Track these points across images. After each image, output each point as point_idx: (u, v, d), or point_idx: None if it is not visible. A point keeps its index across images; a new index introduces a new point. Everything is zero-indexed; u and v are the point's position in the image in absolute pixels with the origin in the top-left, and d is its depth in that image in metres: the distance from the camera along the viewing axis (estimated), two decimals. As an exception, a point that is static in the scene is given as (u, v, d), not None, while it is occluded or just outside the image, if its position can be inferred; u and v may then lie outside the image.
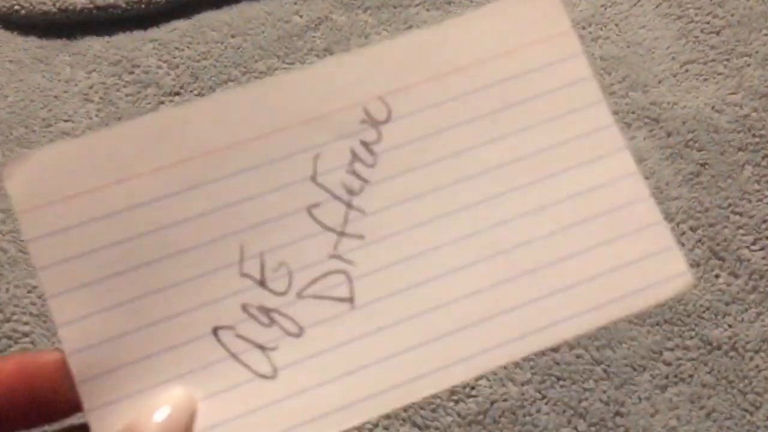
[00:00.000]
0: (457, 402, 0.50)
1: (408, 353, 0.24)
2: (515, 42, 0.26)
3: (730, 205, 0.60)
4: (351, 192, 0.25)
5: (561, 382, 0.51)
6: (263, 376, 0.24)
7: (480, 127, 0.25)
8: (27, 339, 0.57)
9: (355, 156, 0.25)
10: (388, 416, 0.48)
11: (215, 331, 0.25)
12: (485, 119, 0.25)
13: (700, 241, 0.58)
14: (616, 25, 0.74)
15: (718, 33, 0.72)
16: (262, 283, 0.25)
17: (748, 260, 0.57)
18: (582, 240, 0.25)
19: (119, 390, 0.24)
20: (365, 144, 0.25)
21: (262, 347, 0.24)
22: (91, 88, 0.71)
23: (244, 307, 0.25)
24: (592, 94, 0.26)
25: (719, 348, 0.53)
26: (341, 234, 0.25)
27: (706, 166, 0.63)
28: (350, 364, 0.24)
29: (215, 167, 0.25)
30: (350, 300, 0.25)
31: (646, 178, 0.62)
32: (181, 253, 0.25)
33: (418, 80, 0.26)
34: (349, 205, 0.25)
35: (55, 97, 0.70)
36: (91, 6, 0.75)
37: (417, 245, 0.25)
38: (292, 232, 0.25)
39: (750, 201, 0.60)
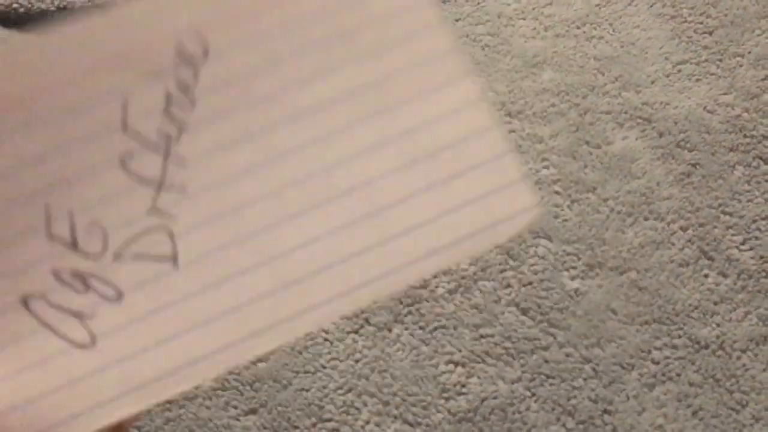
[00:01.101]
0: (447, 399, 0.50)
1: (236, 312, 0.21)
2: None
3: (720, 205, 0.61)
4: (168, 139, 0.22)
5: (550, 381, 0.52)
6: (80, 346, 0.22)
7: (308, 59, 0.22)
8: None
9: (170, 98, 0.22)
10: (378, 413, 0.49)
11: (24, 300, 0.22)
12: (314, 50, 0.22)
13: (690, 240, 0.59)
14: (611, 24, 0.75)
15: (711, 33, 0.73)
16: (73, 246, 0.22)
17: (737, 260, 0.58)
18: (425, 176, 0.22)
19: None
20: (181, 85, 0.22)
21: (77, 315, 0.22)
22: (89, 86, 0.72)
23: (56, 273, 0.22)
24: (430, 18, 0.23)
25: (707, 347, 0.54)
26: (160, 186, 0.22)
27: (698, 167, 0.63)
28: (175, 327, 0.22)
29: (11, 118, 0.22)
30: (173, 258, 0.22)
31: (637, 178, 0.63)
32: None
33: (237, 11, 0.23)
34: (166, 154, 0.22)
35: (54, 95, 0.71)
36: (89, 5, 0.75)
37: (243, 194, 0.22)
38: (103, 187, 0.22)
39: (740, 201, 0.61)
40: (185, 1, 0.22)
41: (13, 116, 0.22)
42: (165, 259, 0.22)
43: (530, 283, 0.56)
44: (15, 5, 0.76)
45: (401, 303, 0.55)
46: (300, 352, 0.53)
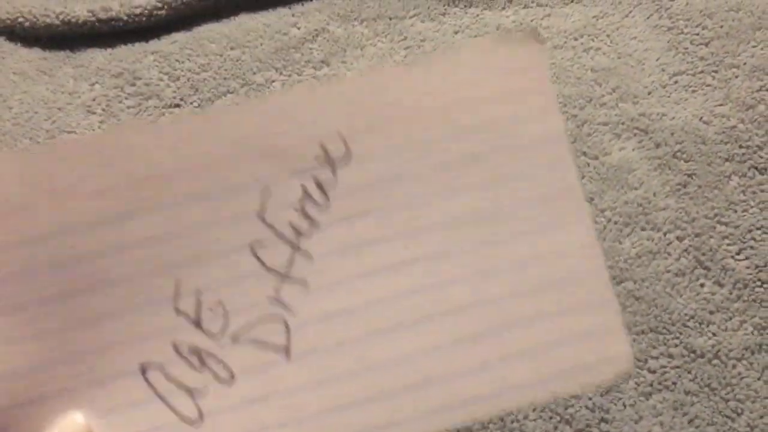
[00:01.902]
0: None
1: (341, 411, 0.23)
2: (490, 89, 0.24)
3: (716, 215, 0.62)
4: (299, 233, 0.23)
5: (548, 390, 0.52)
6: (189, 421, 0.22)
7: (440, 177, 0.23)
8: None
9: (306, 195, 0.23)
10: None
11: (143, 368, 0.23)
12: (447, 169, 0.23)
13: (686, 250, 0.60)
14: (608, 36, 0.75)
15: (707, 44, 0.74)
16: (196, 323, 0.23)
17: (733, 269, 0.59)
18: (530, 308, 0.23)
19: (40, 421, 0.22)
20: (319, 183, 0.23)
21: (189, 390, 0.23)
22: (94, 100, 0.73)
23: (176, 346, 0.23)
24: (560, 155, 0.24)
25: (703, 356, 0.55)
26: (284, 277, 0.23)
27: (694, 177, 0.64)
28: (280, 417, 0.22)
29: (156, 195, 0.23)
30: (286, 349, 0.23)
31: (634, 188, 0.64)
32: (113, 283, 0.23)
33: (381, 121, 0.24)
34: (295, 248, 0.23)
35: (59, 109, 0.72)
36: (94, 19, 0.77)
37: (361, 297, 0.23)
38: (232, 270, 0.23)
39: (736, 211, 0.62)
40: (334, 105, 0.23)
41: (156, 193, 0.23)
42: (278, 349, 0.23)
43: (528, 294, 0.57)
44: (20, 19, 0.77)
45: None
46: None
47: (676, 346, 0.55)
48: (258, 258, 0.23)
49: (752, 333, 0.56)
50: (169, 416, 0.23)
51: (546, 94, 0.25)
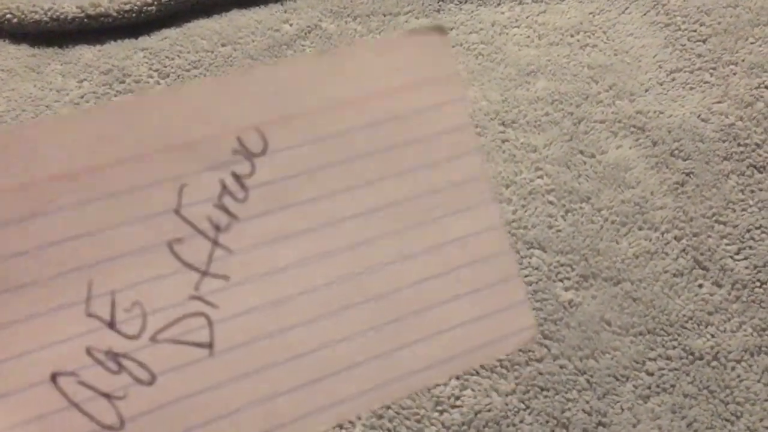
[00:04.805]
0: (441, 412, 0.50)
1: (264, 404, 0.22)
2: (400, 81, 0.25)
3: (714, 214, 0.61)
4: (218, 228, 0.23)
5: (544, 393, 0.52)
6: (108, 428, 0.22)
7: (356, 168, 0.23)
8: None
9: (224, 189, 0.23)
10: (372, 426, 0.49)
11: (54, 377, 0.22)
12: (362, 160, 0.24)
13: (684, 250, 0.59)
14: (604, 32, 0.75)
15: (704, 41, 0.73)
16: (111, 325, 0.22)
17: (732, 270, 0.58)
18: (444, 290, 0.24)
19: None
20: (237, 176, 0.23)
21: (107, 395, 0.22)
22: (82, 97, 0.71)
23: (89, 351, 0.22)
24: (468, 143, 0.26)
25: (701, 358, 0.54)
26: (204, 273, 0.23)
27: (692, 176, 0.63)
28: (205, 414, 0.22)
29: (64, 193, 0.22)
30: (209, 345, 0.23)
31: (631, 187, 0.63)
32: (18, 288, 0.21)
33: (298, 112, 0.24)
34: (214, 242, 0.23)
35: (47, 106, 0.71)
36: (82, 15, 0.75)
37: (283, 289, 0.23)
38: (149, 269, 0.22)
39: (734, 211, 0.61)
40: (249, 98, 0.23)
41: (66, 190, 0.22)
42: (202, 345, 0.23)
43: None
44: (8, 16, 0.76)
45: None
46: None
47: (675, 347, 0.54)
48: (176, 255, 0.23)
49: (752, 334, 0.55)
50: (87, 424, 0.22)
51: (452, 86, 0.26)
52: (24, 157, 0.21)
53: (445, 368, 0.25)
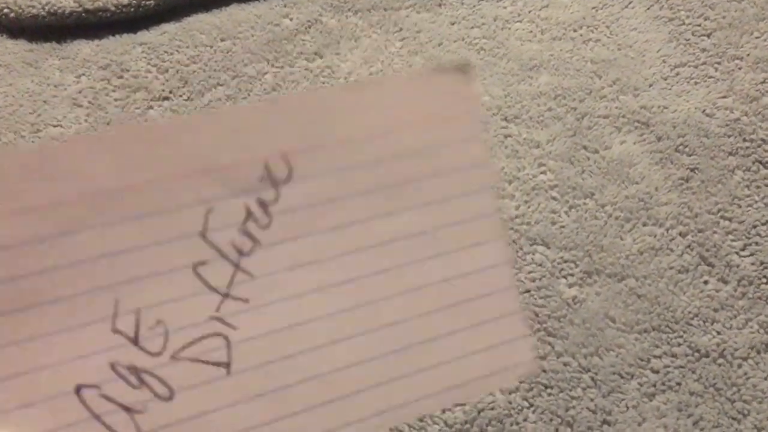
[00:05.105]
0: (444, 411, 0.49)
1: (278, 423, 0.23)
2: (422, 116, 0.25)
3: (719, 210, 0.60)
4: (241, 252, 0.23)
5: (548, 391, 0.51)
6: None
7: (374, 199, 0.24)
8: None
9: (249, 214, 0.24)
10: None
11: (78, 389, 0.22)
12: (383, 191, 0.25)
13: (689, 246, 0.58)
14: (608, 27, 0.74)
15: (709, 35, 0.72)
16: (135, 341, 0.23)
17: (737, 266, 0.57)
18: (450, 322, 0.25)
19: None
20: (262, 203, 0.24)
21: (128, 409, 0.23)
22: (80, 92, 0.71)
23: (113, 366, 0.23)
24: (483, 179, 0.26)
25: (707, 355, 0.53)
26: (225, 296, 0.23)
27: (696, 171, 0.63)
28: (213, 428, 0.23)
29: (94, 212, 0.22)
30: (227, 365, 0.23)
31: (636, 183, 0.62)
32: (48, 303, 0.22)
33: (324, 141, 0.24)
34: (237, 267, 0.23)
35: (44, 101, 0.70)
36: (80, 9, 0.74)
37: (300, 314, 0.24)
38: (173, 289, 0.23)
39: (740, 206, 0.60)
40: (278, 124, 0.24)
41: (95, 210, 0.22)
42: (219, 365, 0.23)
43: (527, 291, 0.55)
44: (6, 10, 0.75)
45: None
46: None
47: (680, 345, 0.53)
48: (200, 277, 0.23)
49: (758, 331, 0.54)
50: None
51: (472, 123, 0.27)
52: (54, 176, 0.22)
53: (449, 396, 0.25)
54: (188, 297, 0.23)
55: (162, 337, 0.23)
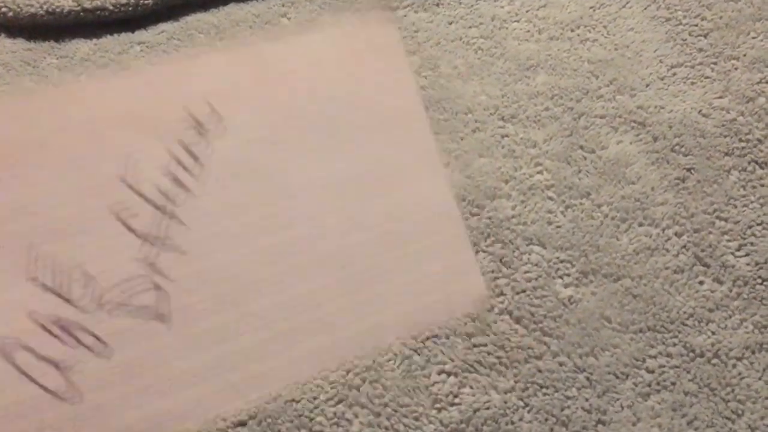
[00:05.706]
0: (439, 410, 0.50)
1: (221, 366, 0.23)
2: (350, 59, 0.25)
3: (715, 210, 0.60)
4: (168, 198, 0.22)
5: (543, 390, 0.51)
6: (56, 395, 0.21)
7: (308, 141, 0.24)
8: None
9: (175, 159, 0.23)
10: (369, 424, 0.48)
11: None
12: (313, 133, 0.24)
13: (685, 246, 0.58)
14: (605, 27, 0.74)
15: (705, 36, 0.72)
16: (56, 291, 0.21)
17: (733, 266, 0.57)
18: (397, 255, 0.25)
19: None
20: (187, 147, 0.23)
21: (56, 364, 0.21)
22: (78, 91, 0.71)
23: (34, 318, 0.21)
24: (418, 116, 0.26)
25: (702, 355, 0.53)
26: (159, 244, 0.22)
27: (693, 171, 0.63)
28: (160, 381, 0.22)
29: (13, 164, 0.21)
30: (163, 314, 0.22)
31: (632, 183, 0.62)
32: None
33: (247, 86, 0.23)
34: (166, 212, 0.22)
35: (42, 100, 0.70)
36: (79, 8, 0.75)
37: (237, 256, 0.23)
38: (96, 236, 0.22)
39: (735, 207, 0.61)
40: (200, 73, 0.24)
41: (16, 161, 0.23)
42: (154, 314, 0.23)
43: (523, 291, 0.55)
44: (4, 9, 0.75)
45: (393, 311, 0.54)
46: (291, 362, 0.52)
47: (675, 345, 0.54)
48: (124, 223, 0.23)
49: (753, 331, 0.54)
50: (35, 392, 0.22)
51: (401, 67, 0.27)
52: None
53: (404, 327, 0.26)
54: (113, 244, 0.22)
55: (88, 285, 0.21)
